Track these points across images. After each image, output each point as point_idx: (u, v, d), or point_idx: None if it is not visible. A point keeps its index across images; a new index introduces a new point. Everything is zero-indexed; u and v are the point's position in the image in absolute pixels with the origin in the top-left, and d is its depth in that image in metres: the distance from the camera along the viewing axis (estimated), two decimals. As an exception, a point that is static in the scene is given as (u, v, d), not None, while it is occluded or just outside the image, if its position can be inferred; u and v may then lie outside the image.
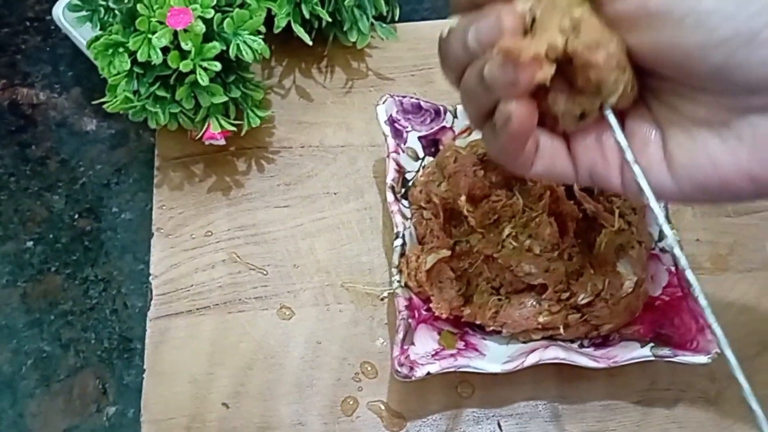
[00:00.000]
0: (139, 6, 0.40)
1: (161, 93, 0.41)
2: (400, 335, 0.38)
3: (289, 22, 0.46)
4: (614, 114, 0.26)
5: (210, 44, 0.40)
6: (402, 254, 0.41)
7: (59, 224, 0.47)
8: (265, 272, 0.45)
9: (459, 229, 0.42)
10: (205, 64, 0.40)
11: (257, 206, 0.47)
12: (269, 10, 0.44)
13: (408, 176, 0.45)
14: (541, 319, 0.39)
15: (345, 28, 0.49)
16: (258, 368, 0.42)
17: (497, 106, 0.26)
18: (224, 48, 0.41)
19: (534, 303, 0.39)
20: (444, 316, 0.40)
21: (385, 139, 0.44)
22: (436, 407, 0.41)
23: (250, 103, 0.45)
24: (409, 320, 0.39)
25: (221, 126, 0.44)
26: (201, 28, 0.40)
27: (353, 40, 0.49)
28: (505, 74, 0.24)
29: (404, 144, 0.45)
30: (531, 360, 0.38)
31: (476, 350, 0.40)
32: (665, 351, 0.37)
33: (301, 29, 0.46)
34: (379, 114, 0.44)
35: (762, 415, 0.24)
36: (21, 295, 0.45)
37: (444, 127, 0.46)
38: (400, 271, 0.40)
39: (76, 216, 0.47)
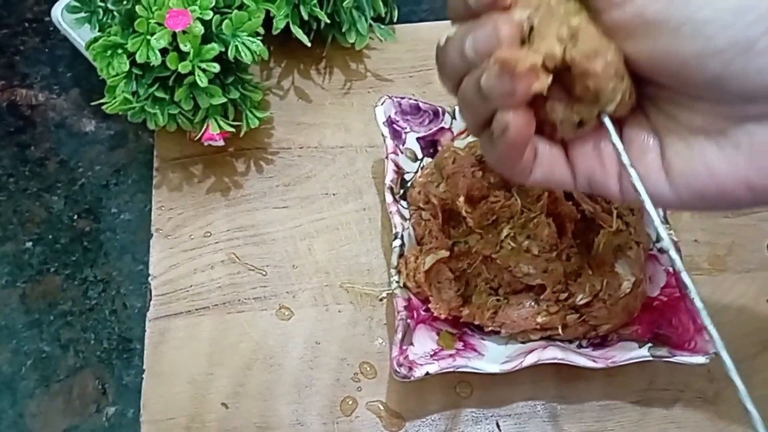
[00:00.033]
0: (137, 7, 0.40)
1: (160, 94, 0.42)
2: (399, 335, 0.38)
3: (287, 23, 0.46)
4: (612, 122, 0.26)
5: (209, 46, 0.40)
6: (401, 255, 0.41)
7: (58, 225, 0.47)
8: (264, 273, 0.45)
9: (457, 230, 0.42)
10: (203, 65, 0.40)
11: (256, 207, 0.47)
12: (268, 12, 0.44)
13: (407, 177, 0.45)
14: (539, 320, 0.39)
15: (343, 30, 0.49)
16: (257, 368, 0.42)
17: (494, 115, 0.26)
18: (223, 49, 0.41)
19: (532, 303, 0.40)
20: (443, 316, 0.40)
21: (384, 140, 0.44)
22: (435, 407, 0.41)
23: (249, 104, 0.45)
24: (408, 321, 0.39)
25: (220, 127, 0.44)
26: (200, 29, 0.40)
27: (352, 41, 0.49)
28: (501, 85, 0.24)
29: (403, 145, 0.45)
30: (529, 360, 0.38)
31: (475, 350, 0.40)
32: (663, 351, 0.37)
33: (300, 31, 0.46)
34: (377, 115, 0.44)
35: (758, 416, 0.24)
36: (20, 295, 0.45)
37: (442, 128, 0.46)
38: (399, 272, 0.41)
39: (75, 217, 0.47)
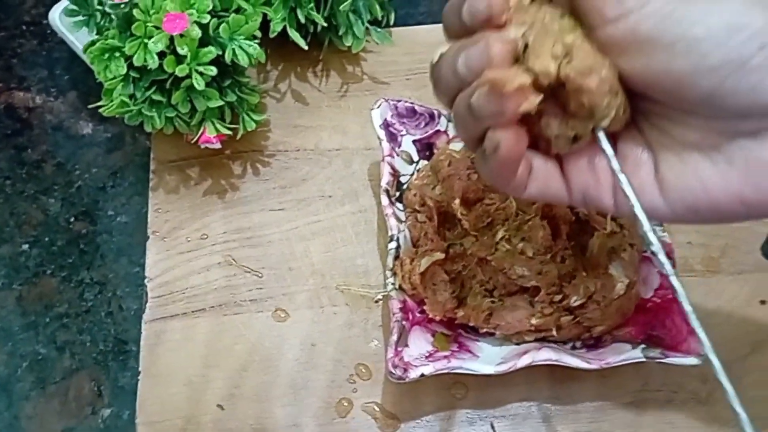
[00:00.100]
0: (135, 11, 0.40)
1: (157, 97, 0.42)
2: (395, 337, 0.38)
3: (284, 26, 0.46)
4: (607, 137, 0.26)
5: (206, 49, 0.40)
6: (396, 257, 0.41)
7: (55, 227, 0.47)
8: (260, 275, 0.45)
9: (453, 232, 0.42)
10: (201, 68, 0.40)
11: (252, 209, 0.47)
12: (265, 15, 0.45)
13: (402, 179, 0.45)
14: (533, 321, 0.39)
15: (340, 33, 0.49)
16: (253, 370, 0.42)
17: (487, 132, 0.26)
18: (220, 53, 0.41)
19: (527, 305, 0.40)
20: (438, 318, 0.40)
21: (380, 143, 0.44)
22: (430, 408, 0.42)
23: (246, 107, 0.46)
24: (403, 322, 0.39)
25: (217, 130, 0.44)
26: (197, 33, 0.40)
27: (348, 44, 0.49)
28: (490, 104, 0.25)
29: (399, 147, 0.45)
30: (524, 361, 0.38)
31: (470, 352, 0.40)
32: (656, 352, 0.38)
33: (297, 34, 0.47)
34: (374, 118, 0.45)
35: (746, 418, 0.24)
36: (16, 297, 0.45)
37: (438, 131, 0.46)
38: (395, 274, 0.41)
39: (72, 219, 0.48)
